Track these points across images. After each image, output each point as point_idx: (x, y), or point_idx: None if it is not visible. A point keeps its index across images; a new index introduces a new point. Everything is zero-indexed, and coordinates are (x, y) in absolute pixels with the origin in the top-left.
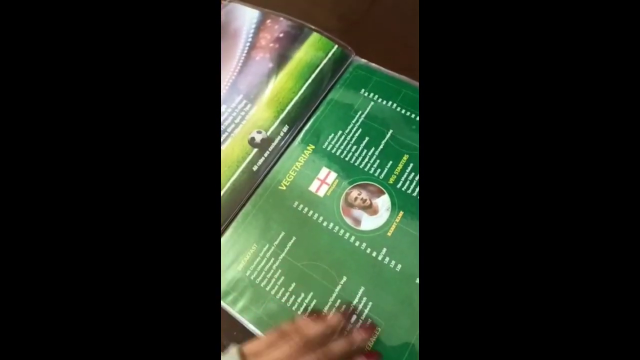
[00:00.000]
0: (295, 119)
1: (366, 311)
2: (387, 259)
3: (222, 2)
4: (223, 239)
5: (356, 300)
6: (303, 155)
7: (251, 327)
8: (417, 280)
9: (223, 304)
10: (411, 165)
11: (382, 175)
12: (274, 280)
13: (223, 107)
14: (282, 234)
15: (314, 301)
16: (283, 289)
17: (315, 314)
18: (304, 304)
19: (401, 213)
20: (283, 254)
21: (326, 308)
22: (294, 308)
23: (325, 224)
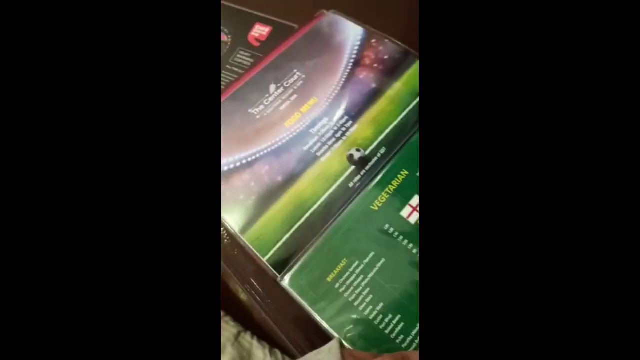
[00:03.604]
0: (394, 142)
1: None
2: None
3: (323, 12)
4: (313, 249)
5: None
6: (397, 179)
7: (337, 337)
8: None
9: (311, 311)
10: None
11: None
12: (362, 296)
13: (325, 120)
14: (372, 253)
15: (401, 324)
16: (371, 307)
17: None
18: (392, 325)
19: None
20: (372, 273)
21: (413, 332)
22: (381, 327)
23: (415, 251)
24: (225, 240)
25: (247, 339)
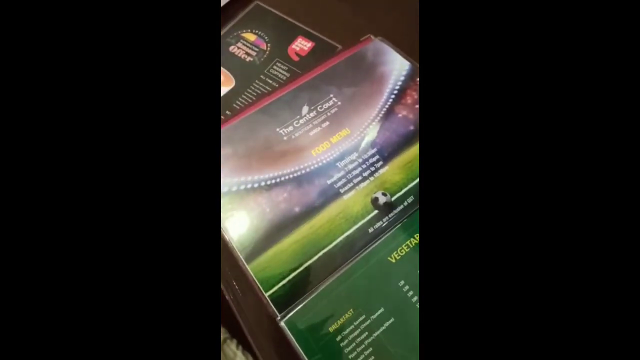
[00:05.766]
0: None
1: None
2: None
3: (370, 37)
4: (320, 292)
5: None
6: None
7: None
8: None
9: None
10: None
11: None
12: (362, 357)
13: (354, 155)
14: (381, 310)
15: None
16: None
17: None
18: None
19: None
20: (377, 333)
21: None
22: None
23: None
24: (227, 263)
25: (232, 348)
